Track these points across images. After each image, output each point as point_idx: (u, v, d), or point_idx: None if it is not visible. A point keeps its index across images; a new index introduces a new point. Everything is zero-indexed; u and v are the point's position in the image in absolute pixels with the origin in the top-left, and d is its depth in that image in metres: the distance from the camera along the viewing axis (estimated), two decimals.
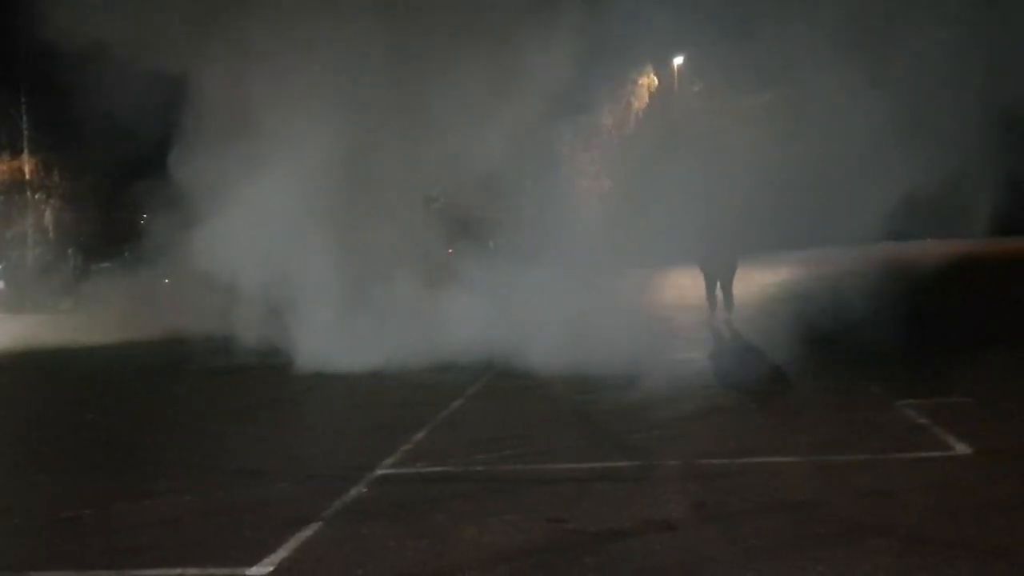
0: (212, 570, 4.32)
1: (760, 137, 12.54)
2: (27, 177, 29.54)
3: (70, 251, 26.83)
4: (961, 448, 5.81)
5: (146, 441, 7.50)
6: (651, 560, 4.20)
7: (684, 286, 15.62)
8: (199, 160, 12.62)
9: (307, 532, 4.79)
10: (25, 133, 29.31)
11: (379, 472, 5.94)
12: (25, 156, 29.52)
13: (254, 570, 4.29)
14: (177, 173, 13.52)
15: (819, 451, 5.93)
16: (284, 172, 11.26)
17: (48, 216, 29.90)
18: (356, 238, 11.95)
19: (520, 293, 11.29)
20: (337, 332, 10.79)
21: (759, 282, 17.18)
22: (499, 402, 8.42)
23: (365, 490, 5.56)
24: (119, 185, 24.61)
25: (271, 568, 4.31)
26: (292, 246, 11.70)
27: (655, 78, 16.23)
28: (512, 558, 4.32)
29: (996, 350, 9.91)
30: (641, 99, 16.09)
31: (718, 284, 13.46)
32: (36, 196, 29.91)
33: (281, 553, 4.49)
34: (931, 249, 25.29)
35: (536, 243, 12.23)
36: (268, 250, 11.95)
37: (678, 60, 17.07)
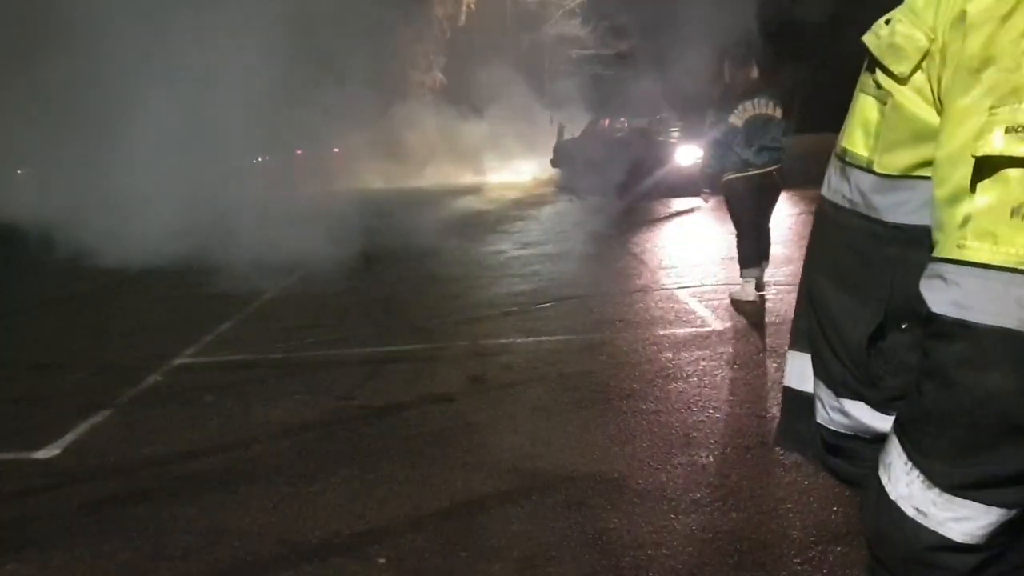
0: None
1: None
2: None
3: None
4: (716, 324, 6.56)
5: None
6: (426, 427, 4.64)
7: (510, 184, 16.06)
8: None
9: (98, 418, 4.94)
10: None
11: (177, 362, 6.09)
12: None
13: (41, 453, 4.42)
14: None
15: (594, 331, 6.54)
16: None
17: None
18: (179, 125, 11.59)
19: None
20: (148, 225, 10.55)
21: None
22: (308, 295, 8.60)
23: (160, 378, 5.72)
24: None
25: (58, 451, 4.45)
26: (101, 133, 11.23)
27: None
28: (298, 432, 4.65)
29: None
30: None
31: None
32: None
33: (70, 437, 4.64)
34: None
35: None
36: (74, 138, 11.41)
37: None
